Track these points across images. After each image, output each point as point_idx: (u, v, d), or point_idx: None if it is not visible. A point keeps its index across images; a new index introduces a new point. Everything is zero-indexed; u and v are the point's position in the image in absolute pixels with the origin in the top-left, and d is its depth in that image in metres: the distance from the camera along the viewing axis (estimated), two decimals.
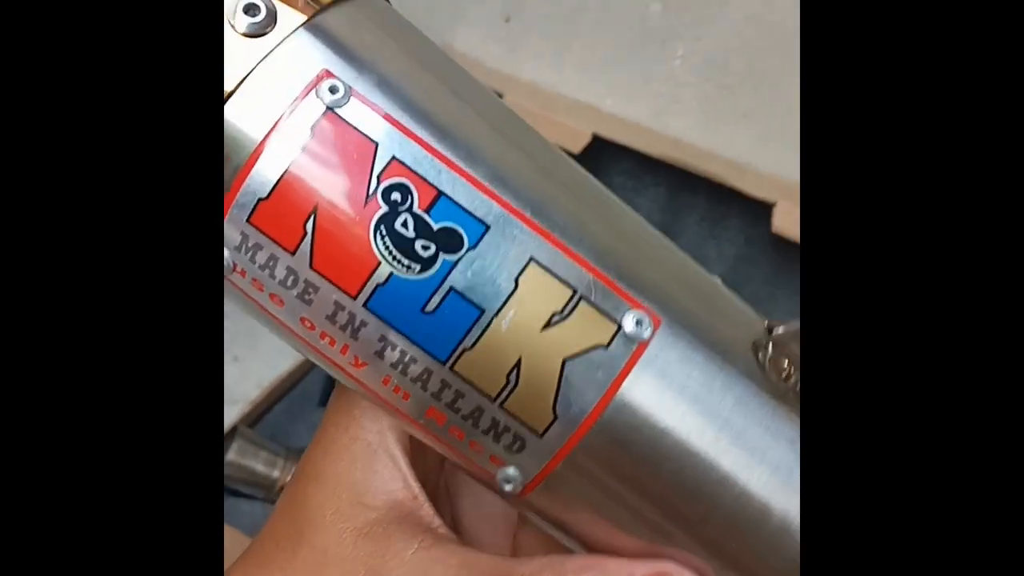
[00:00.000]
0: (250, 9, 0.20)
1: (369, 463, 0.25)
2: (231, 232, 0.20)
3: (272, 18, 0.20)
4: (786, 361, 0.22)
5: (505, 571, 0.23)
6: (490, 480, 0.23)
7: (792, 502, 0.22)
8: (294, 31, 0.20)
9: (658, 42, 0.66)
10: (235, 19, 0.20)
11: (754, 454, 0.22)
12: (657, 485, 0.22)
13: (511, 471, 0.22)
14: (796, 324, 0.22)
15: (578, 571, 0.22)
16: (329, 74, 0.20)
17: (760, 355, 0.22)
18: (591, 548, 0.24)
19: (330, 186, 0.20)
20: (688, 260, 0.24)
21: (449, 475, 0.29)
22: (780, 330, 0.23)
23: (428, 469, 0.27)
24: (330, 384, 0.90)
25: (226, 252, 0.20)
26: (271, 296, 0.21)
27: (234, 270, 0.21)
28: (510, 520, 0.29)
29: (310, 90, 0.20)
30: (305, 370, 0.66)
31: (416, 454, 0.26)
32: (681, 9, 0.66)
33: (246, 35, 0.20)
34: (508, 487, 0.22)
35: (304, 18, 0.20)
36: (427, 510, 0.25)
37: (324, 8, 0.21)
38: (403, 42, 0.22)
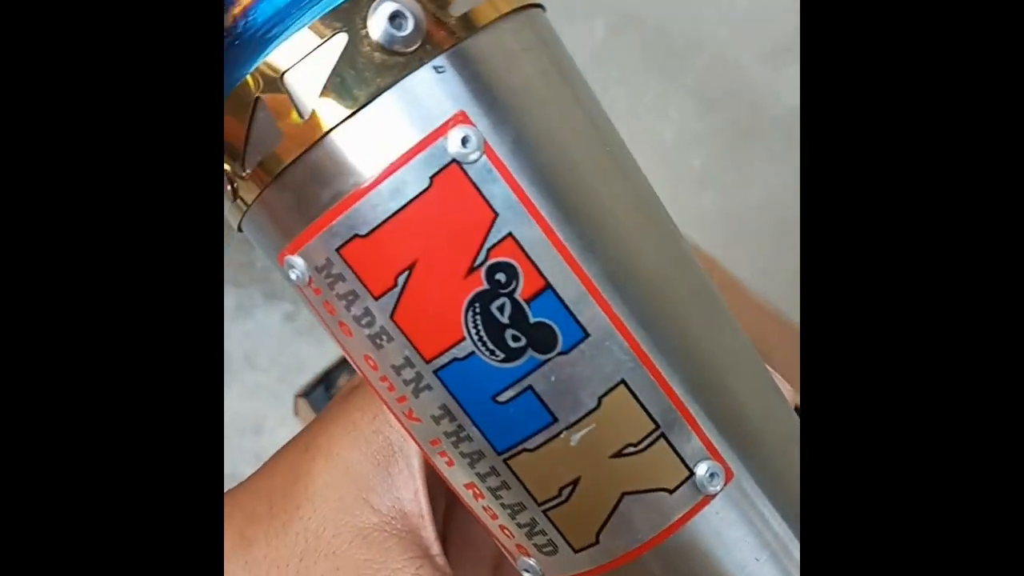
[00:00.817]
0: (396, 18, 0.17)
1: (386, 463, 0.24)
2: (314, 252, 0.19)
3: (419, 35, 0.17)
4: None
5: None
6: (511, 556, 0.22)
7: None
8: (440, 55, 0.17)
9: None
10: (371, 22, 0.17)
11: None
12: None
13: (533, 563, 0.21)
14: None
15: None
16: (465, 119, 0.17)
17: None
18: None
19: (435, 246, 0.18)
20: (777, 397, 0.22)
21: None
22: None
23: (436, 482, 0.25)
24: None
25: (302, 264, 0.19)
26: (340, 324, 0.19)
27: (308, 284, 0.19)
28: (497, 550, 0.29)
29: (441, 134, 0.17)
30: None
31: (430, 468, 0.24)
32: None
33: (381, 47, 0.17)
34: (526, 572, 0.22)
35: (453, 41, 0.18)
36: (430, 532, 0.24)
37: (476, 30, 0.18)
38: (555, 85, 0.19)
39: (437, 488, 0.25)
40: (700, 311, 0.21)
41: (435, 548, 0.24)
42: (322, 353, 0.91)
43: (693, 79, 0.64)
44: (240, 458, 0.87)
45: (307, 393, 0.88)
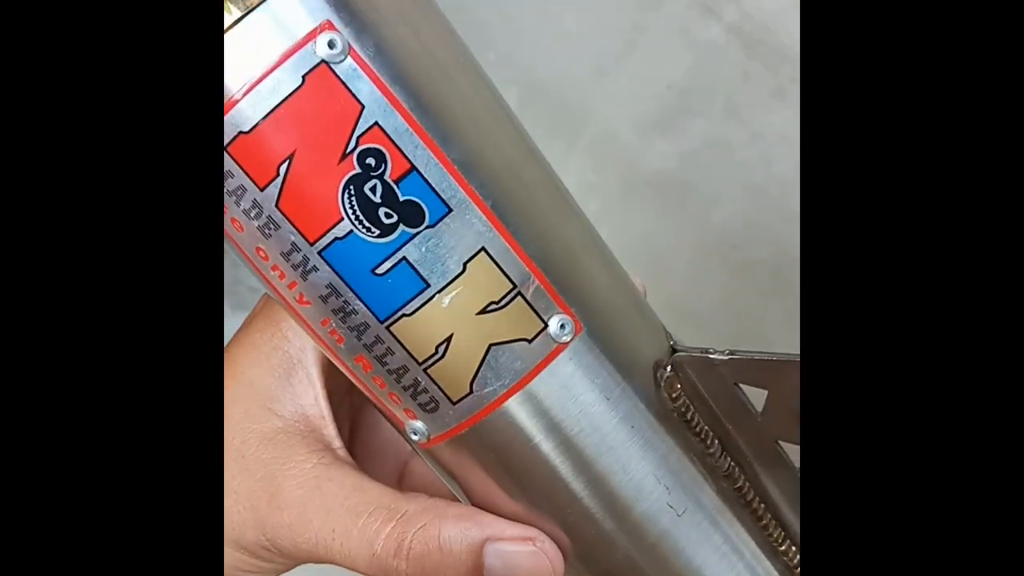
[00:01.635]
0: None
1: (286, 374, 0.26)
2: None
3: None
4: (679, 384, 0.24)
5: (392, 503, 0.24)
6: (400, 425, 0.24)
7: (649, 506, 0.24)
8: None
9: None
10: None
11: (623, 466, 0.23)
12: (539, 471, 0.23)
13: (419, 425, 0.23)
14: (697, 351, 0.23)
15: (457, 518, 0.24)
16: (331, 27, 0.19)
17: (658, 373, 0.24)
18: (474, 502, 0.25)
19: (310, 136, 0.20)
20: (621, 272, 0.25)
21: (353, 398, 0.30)
22: (681, 354, 0.24)
23: (336, 390, 0.27)
24: None
25: None
26: (232, 220, 0.21)
27: None
28: (400, 452, 0.31)
29: (310, 39, 0.19)
30: None
31: (329, 375, 0.26)
32: None
33: None
34: (415, 436, 0.24)
35: None
36: (331, 430, 0.26)
37: None
38: (411, 8, 0.22)
39: (340, 401, 0.27)
40: (548, 196, 0.24)
41: (336, 443, 0.26)
42: None
43: (586, 143, 0.72)
44: None
45: None
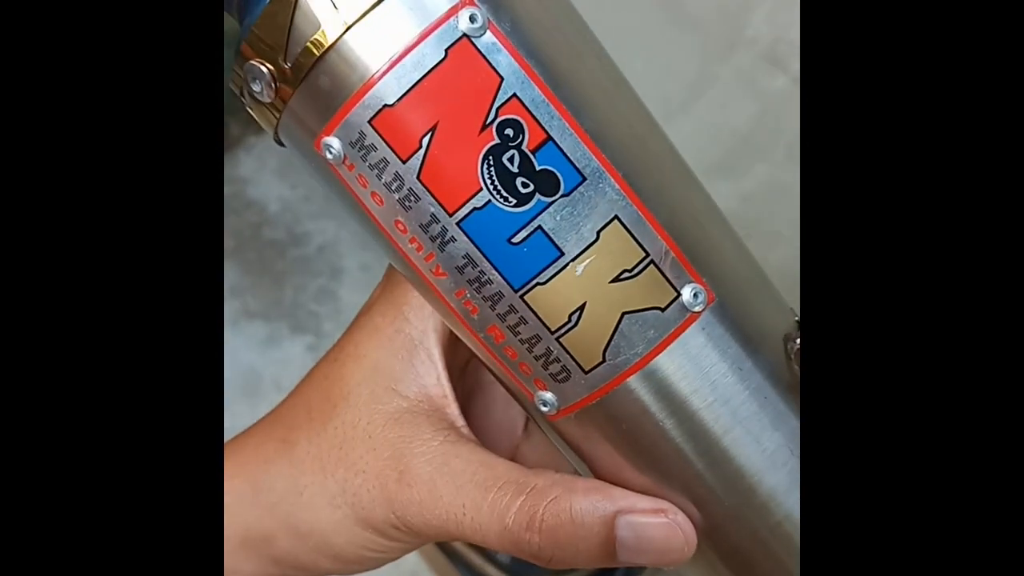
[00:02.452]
0: None
1: (409, 356, 0.26)
2: (349, 128, 0.20)
3: None
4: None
5: (521, 478, 0.24)
6: (528, 398, 0.24)
7: (778, 482, 0.23)
8: None
9: None
10: None
11: (755, 438, 0.23)
12: (669, 444, 0.23)
13: (549, 396, 0.23)
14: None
15: (587, 491, 0.24)
16: (472, 2, 0.20)
17: (788, 346, 0.23)
18: (599, 476, 0.25)
19: (453, 108, 0.20)
20: (746, 248, 0.25)
21: (465, 382, 0.29)
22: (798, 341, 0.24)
23: (455, 371, 0.27)
24: None
25: (338, 143, 0.21)
26: (373, 194, 0.21)
27: (343, 162, 0.21)
28: (515, 431, 0.31)
29: (452, 14, 0.20)
30: None
31: (449, 357, 0.26)
32: None
33: None
34: (544, 408, 0.23)
35: None
36: (454, 409, 0.26)
37: None
38: None
39: (454, 384, 0.28)
40: (674, 167, 0.24)
41: (460, 421, 0.26)
42: None
43: None
44: None
45: None
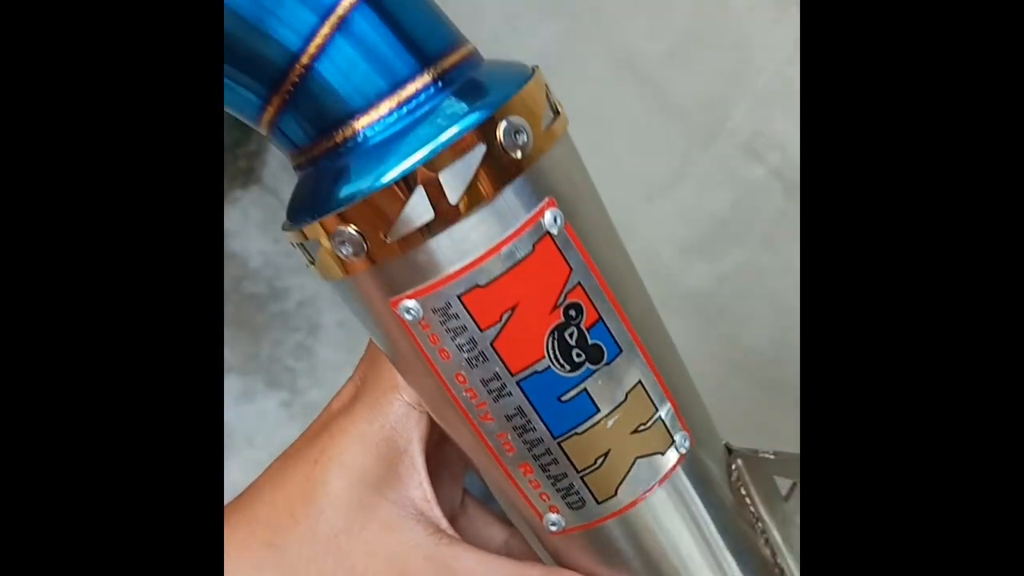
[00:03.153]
0: (518, 133, 0.22)
1: (395, 464, 0.27)
2: (436, 298, 0.23)
3: (529, 144, 0.22)
4: (741, 488, 0.30)
5: (519, 571, 0.27)
6: (536, 517, 0.28)
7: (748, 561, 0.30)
8: (541, 156, 0.23)
9: None
10: (500, 133, 0.22)
11: (719, 565, 0.29)
12: (650, 558, 0.28)
13: (558, 518, 0.27)
14: (748, 451, 0.29)
15: None
16: (553, 204, 0.23)
17: (731, 467, 0.30)
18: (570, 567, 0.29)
19: (532, 292, 0.23)
20: (700, 397, 0.31)
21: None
22: (738, 462, 0.30)
23: (439, 477, 0.29)
24: None
25: (418, 307, 0.23)
26: (441, 351, 0.24)
27: (419, 322, 0.23)
28: (455, 506, 0.33)
29: (540, 215, 0.23)
30: None
31: (430, 463, 0.28)
32: None
33: (506, 153, 0.22)
34: (552, 527, 0.27)
35: (548, 148, 0.23)
36: (437, 513, 0.28)
37: (557, 140, 0.24)
38: (589, 184, 0.26)
39: (441, 479, 0.30)
40: (666, 336, 0.29)
41: (443, 523, 0.28)
42: None
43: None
44: None
45: None
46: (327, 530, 0.27)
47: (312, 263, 0.24)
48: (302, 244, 0.24)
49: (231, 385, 1.08)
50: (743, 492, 0.30)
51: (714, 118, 0.78)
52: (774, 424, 0.91)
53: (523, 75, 0.24)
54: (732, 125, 0.77)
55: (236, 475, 1.08)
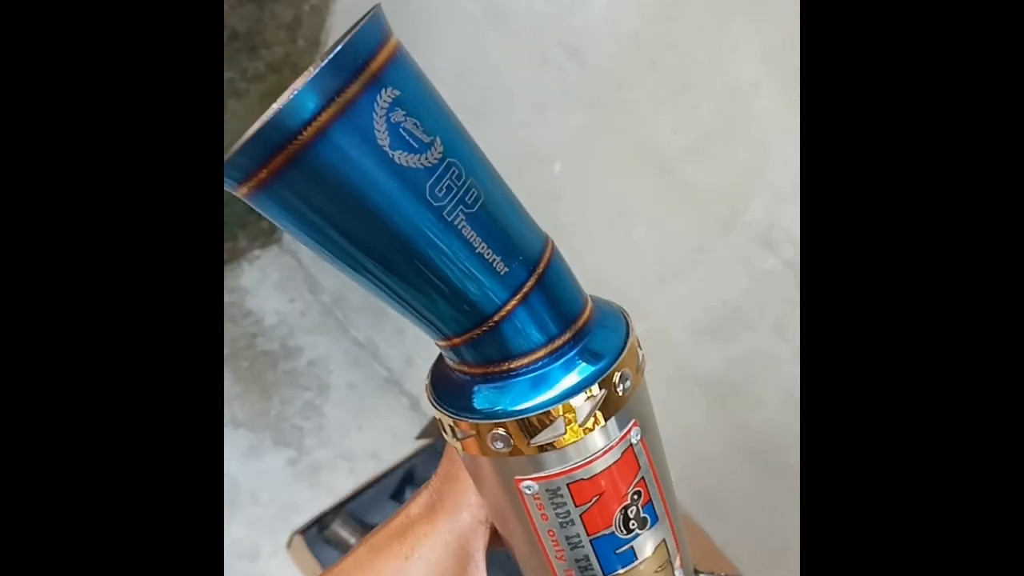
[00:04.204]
0: (625, 380, 0.29)
1: (465, 564, 0.34)
2: (551, 483, 0.29)
3: (630, 384, 0.29)
4: None
5: None
6: None
7: None
8: (634, 392, 0.29)
9: None
10: (616, 380, 0.29)
11: None
12: None
13: None
14: (706, 572, 0.36)
15: None
16: (637, 424, 0.30)
17: None
18: None
19: (614, 484, 0.30)
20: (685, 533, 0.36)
21: None
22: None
23: None
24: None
25: (537, 487, 0.29)
26: (543, 515, 0.30)
27: (534, 497, 0.30)
28: None
29: (630, 432, 0.30)
30: None
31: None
32: None
33: (616, 393, 0.29)
34: None
35: (638, 384, 0.30)
36: None
37: (641, 372, 0.30)
38: (651, 406, 0.32)
39: None
40: (676, 503, 0.34)
41: None
42: (315, 496, 1.00)
43: (639, 336, 0.83)
44: None
45: (303, 531, 0.96)
46: None
47: (454, 437, 0.30)
48: (452, 426, 0.30)
49: (239, 440, 1.09)
50: None
51: (730, 210, 0.81)
52: (775, 506, 0.93)
53: (626, 327, 0.31)
54: (748, 217, 0.80)
55: (238, 531, 1.09)
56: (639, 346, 0.32)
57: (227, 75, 0.96)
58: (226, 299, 1.12)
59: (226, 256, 1.10)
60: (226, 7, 1.07)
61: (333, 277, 1.23)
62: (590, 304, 0.30)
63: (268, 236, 1.05)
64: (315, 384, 1.14)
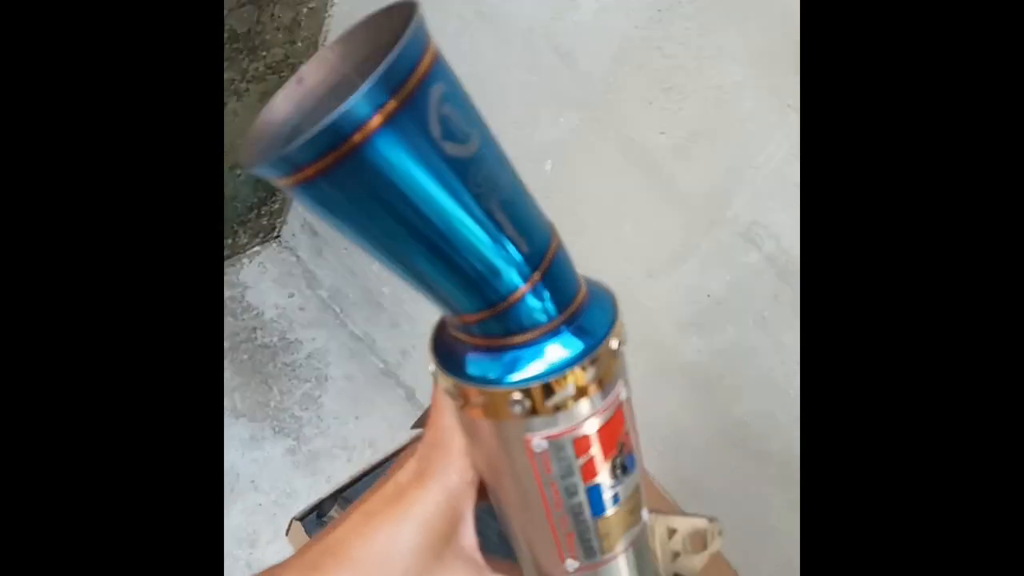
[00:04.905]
0: (621, 344, 0.32)
1: (456, 523, 0.36)
2: (560, 440, 0.32)
3: (622, 349, 0.33)
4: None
5: None
6: (559, 558, 0.36)
7: None
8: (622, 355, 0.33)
9: None
10: (615, 346, 0.32)
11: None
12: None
13: (573, 562, 0.36)
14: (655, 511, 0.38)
15: None
16: (625, 383, 0.33)
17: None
18: None
19: (609, 437, 0.33)
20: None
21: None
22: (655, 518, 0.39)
23: None
24: None
25: (546, 444, 0.32)
26: (547, 469, 0.33)
27: (541, 453, 0.32)
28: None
29: (620, 390, 0.33)
30: None
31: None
32: None
33: (614, 355, 0.32)
34: (570, 568, 0.36)
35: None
36: (479, 556, 0.36)
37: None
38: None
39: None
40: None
41: (483, 562, 0.36)
42: (313, 484, 1.03)
43: (626, 327, 0.85)
44: (235, 567, 0.97)
45: (302, 518, 0.98)
46: (411, 574, 0.35)
47: (464, 405, 0.32)
48: (464, 393, 0.32)
49: (239, 430, 1.11)
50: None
51: (715, 206, 0.83)
52: (758, 492, 0.96)
53: (614, 301, 0.33)
54: (731, 214, 0.82)
55: (239, 518, 1.11)
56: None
57: (227, 75, 0.98)
58: (227, 294, 1.14)
59: (226, 252, 1.12)
60: (226, 8, 1.09)
61: (331, 273, 1.25)
62: (584, 286, 0.33)
63: (268, 232, 1.07)
64: (313, 376, 1.16)
